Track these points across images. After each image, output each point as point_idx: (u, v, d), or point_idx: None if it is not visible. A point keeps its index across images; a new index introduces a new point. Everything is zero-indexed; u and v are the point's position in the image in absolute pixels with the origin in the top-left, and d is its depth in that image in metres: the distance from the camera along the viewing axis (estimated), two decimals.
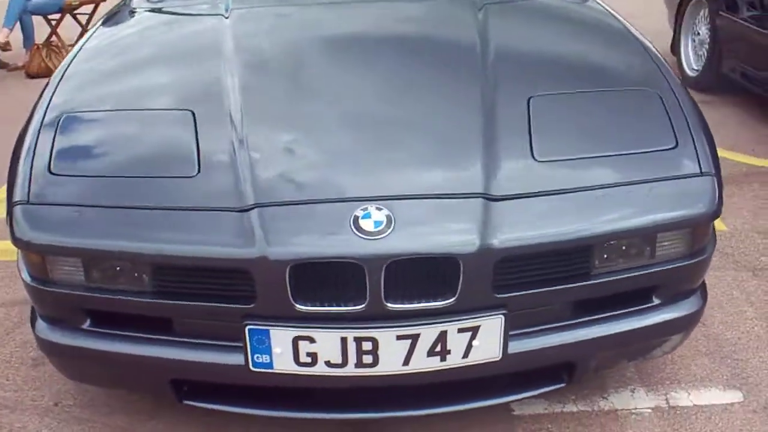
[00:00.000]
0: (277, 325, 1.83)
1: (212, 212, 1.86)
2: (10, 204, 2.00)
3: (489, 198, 1.87)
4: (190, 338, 1.95)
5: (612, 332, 2.01)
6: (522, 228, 1.84)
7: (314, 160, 1.98)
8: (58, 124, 2.18)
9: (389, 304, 1.81)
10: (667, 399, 2.38)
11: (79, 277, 1.93)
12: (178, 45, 2.63)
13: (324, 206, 1.84)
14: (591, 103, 2.22)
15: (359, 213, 1.81)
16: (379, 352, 1.85)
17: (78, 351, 2.02)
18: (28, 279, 2.01)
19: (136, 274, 1.89)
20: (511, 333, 1.90)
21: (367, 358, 1.86)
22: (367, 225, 1.79)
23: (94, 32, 2.84)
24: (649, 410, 2.33)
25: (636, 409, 2.34)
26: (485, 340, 1.88)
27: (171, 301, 1.88)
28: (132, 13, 3.01)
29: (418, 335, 1.84)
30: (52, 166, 2.03)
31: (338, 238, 1.78)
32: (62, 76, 2.45)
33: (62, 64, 2.63)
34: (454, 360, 1.90)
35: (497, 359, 1.92)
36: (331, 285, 1.81)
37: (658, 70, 2.38)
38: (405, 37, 2.59)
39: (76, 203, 1.93)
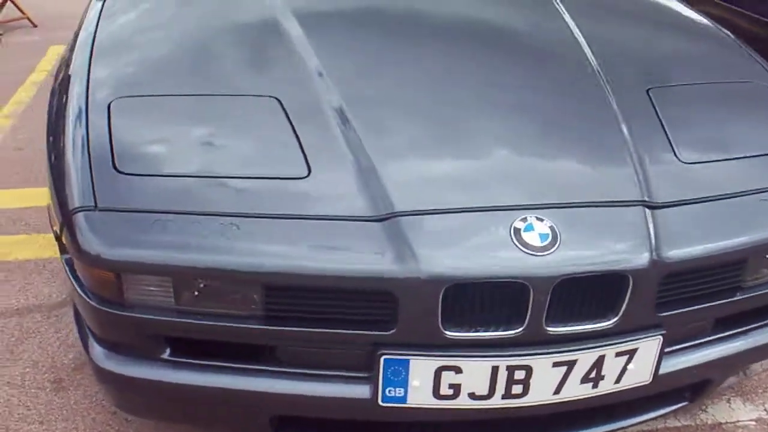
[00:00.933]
0: (419, 355, 1.56)
1: (338, 222, 1.57)
2: (67, 211, 1.64)
3: (650, 205, 1.65)
4: (299, 368, 1.65)
5: (752, 346, 1.85)
6: (691, 238, 1.63)
7: (453, 161, 1.70)
8: (109, 110, 1.82)
9: (549, 328, 1.58)
10: (766, 409, 2.25)
11: (167, 299, 1.60)
12: (223, 15, 2.28)
13: (478, 216, 1.57)
14: (710, 95, 2.03)
15: (520, 225, 1.55)
16: (531, 381, 1.61)
17: (155, 385, 1.68)
18: (91, 301, 1.66)
19: (242, 295, 1.58)
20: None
21: (517, 388, 1.62)
22: (531, 238, 1.54)
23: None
24: (753, 422, 2.20)
25: (739, 421, 2.20)
26: (640, 363, 1.68)
27: (286, 327, 1.57)
28: None
29: (575, 361, 1.62)
30: (117, 163, 1.68)
31: (501, 254, 1.52)
32: (92, 47, 2.08)
33: (83, 29, 2.25)
34: (606, 386, 1.68)
35: (647, 382, 1.72)
36: (484, 307, 1.56)
37: (755, 61, 2.23)
38: (489, 24, 2.32)
39: (163, 209, 1.59)
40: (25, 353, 2.39)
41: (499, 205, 1.59)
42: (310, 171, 1.65)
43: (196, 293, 1.59)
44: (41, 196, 3.35)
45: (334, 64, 1.96)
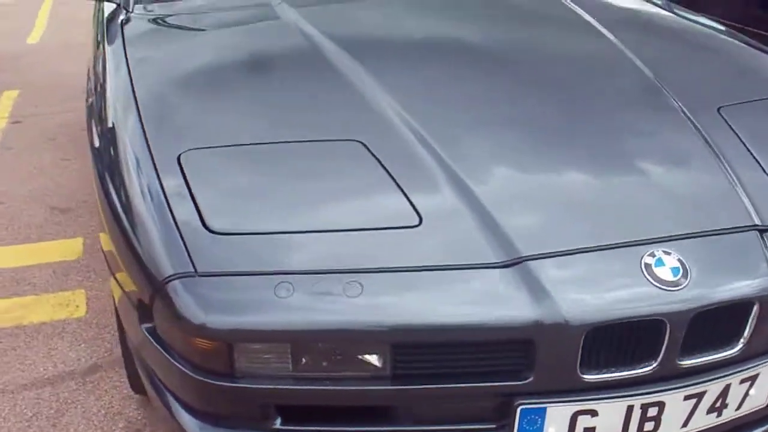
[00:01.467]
0: (556, 402, 1.51)
1: (463, 271, 1.50)
2: (157, 280, 1.53)
3: (761, 229, 1.64)
4: (423, 426, 1.57)
5: None
6: None
7: (567, 195, 1.66)
8: (181, 163, 1.72)
9: (682, 362, 1.55)
10: None
11: (283, 365, 1.50)
12: (262, 52, 2.21)
13: (606, 253, 1.53)
14: None
15: (649, 260, 1.52)
16: (663, 417, 1.58)
17: None
18: (191, 372, 1.55)
19: (368, 356, 1.50)
20: None
21: (649, 425, 1.58)
22: (664, 273, 1.50)
23: (122, 45, 2.34)
24: None
25: None
26: (760, 388, 1.66)
27: (414, 386, 1.50)
28: (155, 20, 2.54)
29: (704, 393, 1.59)
30: (208, 221, 1.58)
31: (638, 292, 1.48)
32: (135, 99, 1.98)
33: (112, 82, 2.15)
34: (729, 414, 1.66)
35: (763, 406, 1.71)
36: (619, 346, 1.52)
37: None
38: (539, 45, 2.30)
39: (273, 270, 1.49)
40: (71, 426, 2.23)
41: (625, 241, 1.55)
42: (421, 218, 1.58)
43: (316, 357, 1.50)
44: (38, 252, 3.18)
45: (405, 99, 1.90)
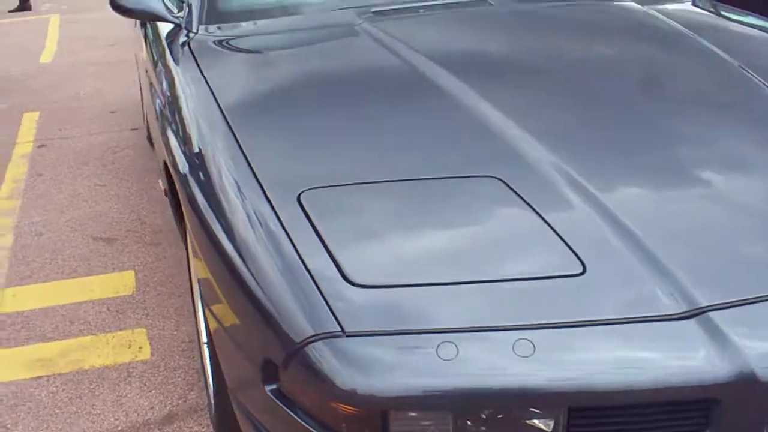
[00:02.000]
0: None
1: (638, 324, 1.35)
2: (293, 340, 1.37)
3: None
4: None
5: None
6: None
7: (737, 235, 1.51)
8: (302, 205, 1.57)
9: None
10: None
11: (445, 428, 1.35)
12: (349, 73, 2.09)
13: None
14: None
15: None
16: None
17: None
18: None
19: (534, 421, 1.34)
20: None
21: None
22: None
23: (196, 66, 2.22)
24: None
25: None
26: None
27: None
28: (228, 41, 2.40)
29: None
30: (348, 273, 1.42)
31: None
32: (233, 132, 1.84)
33: (191, 106, 2.03)
34: None
35: None
36: None
37: None
38: (658, 67, 2.17)
39: (434, 328, 1.33)
40: None
41: None
42: (584, 265, 1.43)
43: (479, 422, 1.35)
44: (88, 287, 3.02)
45: (531, 126, 1.76)
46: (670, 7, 2.70)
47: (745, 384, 1.31)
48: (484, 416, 1.33)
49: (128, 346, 2.64)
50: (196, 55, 2.37)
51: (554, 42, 2.31)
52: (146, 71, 3.13)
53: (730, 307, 1.36)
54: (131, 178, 4.07)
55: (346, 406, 1.35)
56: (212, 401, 2.05)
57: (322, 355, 1.34)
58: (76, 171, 4.20)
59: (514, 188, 1.58)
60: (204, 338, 2.30)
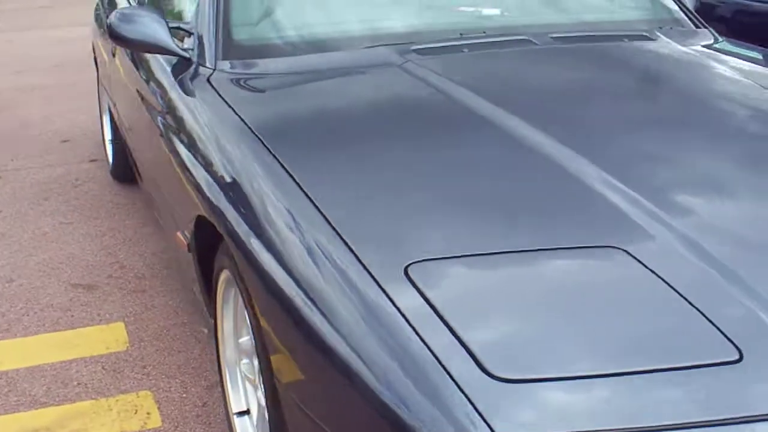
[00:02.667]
0: None
1: None
2: None
3: None
4: None
5: None
6: None
7: None
8: (412, 280, 1.40)
9: None
10: None
11: None
12: (408, 120, 1.99)
13: None
14: None
15: None
16: None
17: None
18: None
19: None
20: None
21: None
22: None
23: (223, 103, 2.07)
24: None
25: None
26: None
27: None
28: (255, 78, 2.26)
29: None
30: (487, 365, 1.24)
31: None
32: (291, 175, 1.70)
33: (229, 145, 1.87)
34: None
35: None
36: None
37: None
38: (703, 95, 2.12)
39: (594, 428, 1.18)
40: None
41: None
42: (740, 351, 1.31)
43: None
44: (76, 343, 2.76)
45: (643, 187, 1.65)
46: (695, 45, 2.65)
47: None
48: None
49: (134, 412, 2.39)
50: (221, 92, 2.19)
51: (620, 79, 2.24)
52: (135, 106, 2.89)
53: None
54: (100, 215, 3.79)
55: None
56: None
57: None
58: (38, 207, 3.89)
59: (642, 260, 1.45)
60: (234, 409, 2.10)
